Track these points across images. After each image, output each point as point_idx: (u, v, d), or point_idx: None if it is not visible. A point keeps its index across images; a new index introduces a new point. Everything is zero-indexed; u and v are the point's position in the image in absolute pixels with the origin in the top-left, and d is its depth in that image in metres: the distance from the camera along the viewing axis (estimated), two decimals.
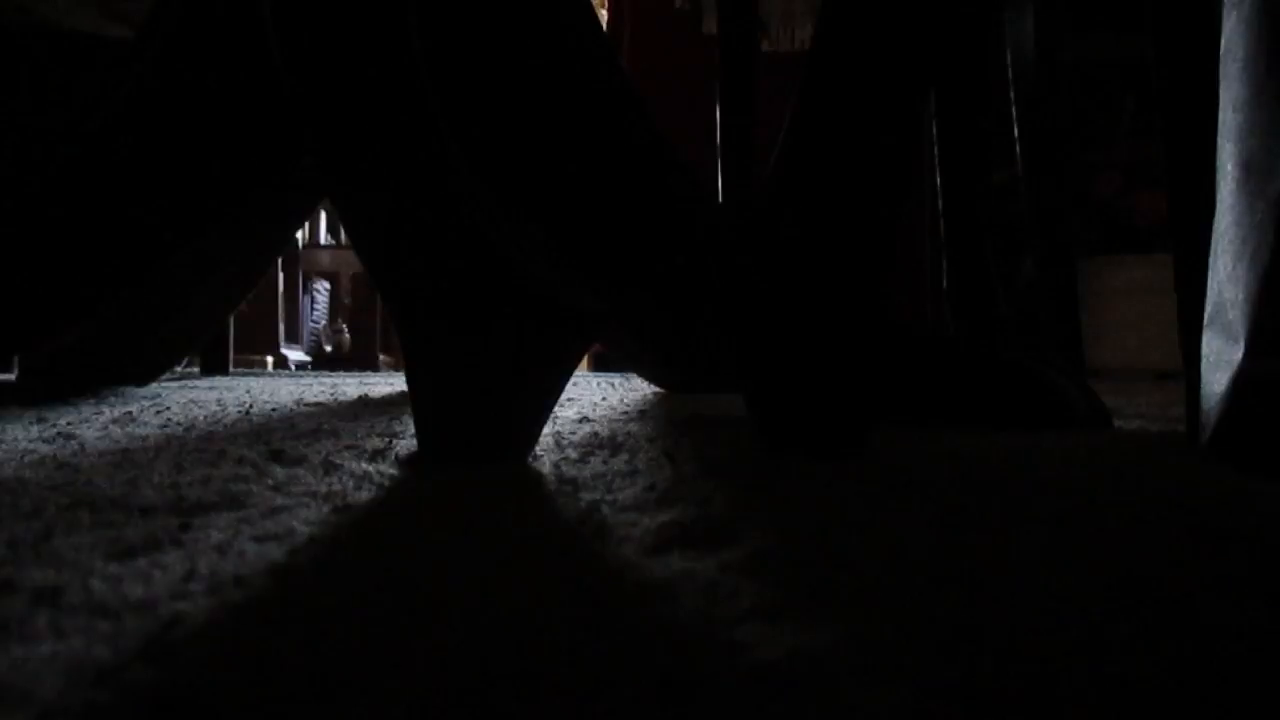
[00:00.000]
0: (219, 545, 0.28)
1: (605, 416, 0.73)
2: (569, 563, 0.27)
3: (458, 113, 0.58)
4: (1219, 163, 0.47)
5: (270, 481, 0.39)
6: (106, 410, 0.75)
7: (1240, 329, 0.43)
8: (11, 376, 1.20)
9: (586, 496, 0.36)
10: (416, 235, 0.46)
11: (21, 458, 0.46)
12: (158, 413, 0.73)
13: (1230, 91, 0.45)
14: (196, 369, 1.60)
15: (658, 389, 1.08)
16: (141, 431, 0.59)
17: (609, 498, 0.36)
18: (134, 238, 0.77)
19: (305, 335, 3.13)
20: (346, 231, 0.51)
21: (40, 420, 0.66)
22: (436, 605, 0.22)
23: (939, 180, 0.98)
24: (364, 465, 0.44)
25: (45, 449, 0.50)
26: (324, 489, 0.37)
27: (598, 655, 0.19)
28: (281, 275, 2.79)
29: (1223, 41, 0.47)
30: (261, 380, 1.38)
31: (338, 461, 0.44)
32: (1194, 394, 0.53)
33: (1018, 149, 1.01)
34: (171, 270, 0.81)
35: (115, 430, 0.60)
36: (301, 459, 0.45)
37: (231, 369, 1.64)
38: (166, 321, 1.02)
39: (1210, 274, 0.47)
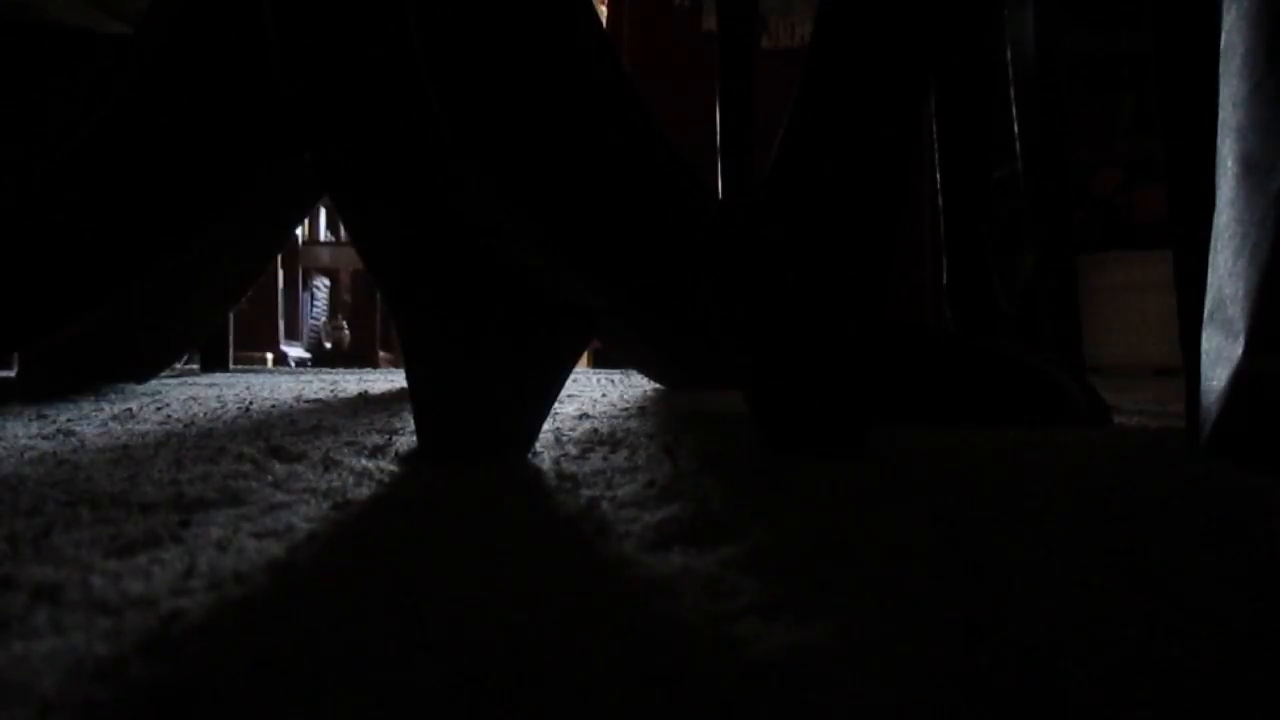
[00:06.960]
0: (219, 542, 0.28)
1: (605, 413, 0.73)
2: (569, 559, 0.27)
3: (456, 109, 0.58)
4: (1219, 159, 0.46)
5: (270, 478, 0.39)
6: (106, 407, 0.75)
7: (1240, 325, 0.43)
8: (12, 373, 1.20)
9: (586, 493, 0.36)
10: (415, 232, 0.46)
11: (21, 454, 0.46)
12: (158, 409, 0.73)
13: (1230, 87, 0.45)
14: (196, 366, 1.60)
15: (658, 386, 1.08)
16: (141, 428, 0.59)
17: (609, 494, 0.36)
18: (133, 234, 0.77)
19: (305, 332, 3.13)
20: (345, 228, 0.51)
21: (40, 417, 0.66)
22: (435, 602, 0.22)
23: (939, 177, 0.98)
24: (364, 462, 0.44)
25: (45, 445, 0.50)
26: (324, 485, 0.37)
27: (597, 651, 0.19)
28: (281, 272, 2.79)
29: (1223, 37, 0.46)
30: (261, 377, 1.38)
31: (337, 458, 0.44)
32: (1194, 390, 0.53)
33: (1018, 146, 1.01)
34: (171, 267, 0.81)
35: (115, 427, 0.60)
36: (301, 455, 0.45)
37: (231, 366, 1.64)
38: (166, 318, 1.02)
39: (1210, 270, 0.47)
